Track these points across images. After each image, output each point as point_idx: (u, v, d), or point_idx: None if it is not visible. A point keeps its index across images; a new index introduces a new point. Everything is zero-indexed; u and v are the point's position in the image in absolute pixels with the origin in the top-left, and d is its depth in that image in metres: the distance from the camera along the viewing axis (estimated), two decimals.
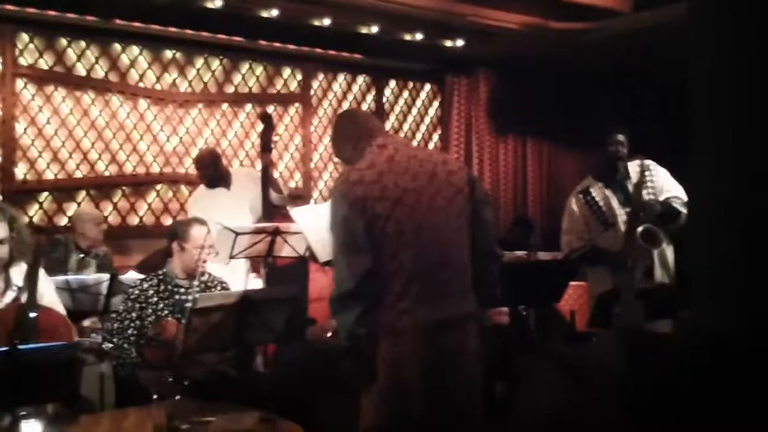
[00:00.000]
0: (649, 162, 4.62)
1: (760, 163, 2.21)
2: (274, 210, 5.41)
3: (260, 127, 6.60)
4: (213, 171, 5.68)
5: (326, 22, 6.16)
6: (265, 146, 5.60)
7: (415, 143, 7.41)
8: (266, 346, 4.37)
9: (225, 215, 5.22)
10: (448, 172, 2.81)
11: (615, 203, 4.62)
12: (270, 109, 6.72)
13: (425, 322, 2.65)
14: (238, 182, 5.65)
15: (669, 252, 4.60)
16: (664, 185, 4.60)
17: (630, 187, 4.60)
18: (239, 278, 5.06)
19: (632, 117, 7.31)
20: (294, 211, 4.75)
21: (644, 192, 4.53)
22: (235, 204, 5.48)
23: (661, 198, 4.56)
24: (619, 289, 4.31)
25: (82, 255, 5.40)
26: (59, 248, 5.32)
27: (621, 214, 4.58)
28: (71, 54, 6.00)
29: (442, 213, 2.74)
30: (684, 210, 4.42)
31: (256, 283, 5.05)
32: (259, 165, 6.28)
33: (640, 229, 4.40)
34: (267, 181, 5.46)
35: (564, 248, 4.78)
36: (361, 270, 2.65)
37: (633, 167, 4.64)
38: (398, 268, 2.66)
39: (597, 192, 4.66)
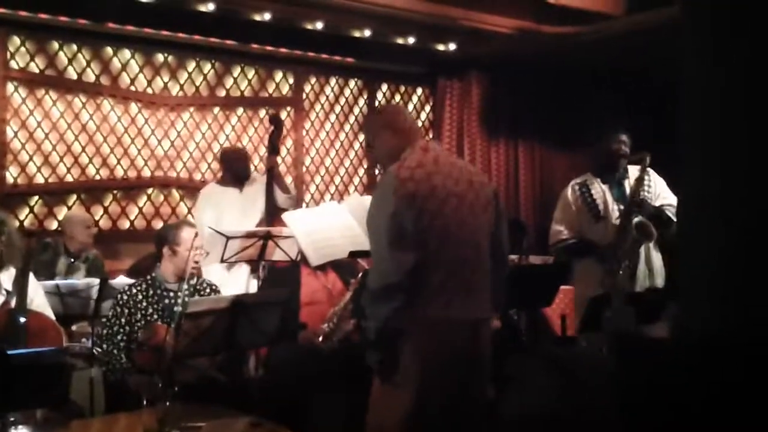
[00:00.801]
0: (648, 168, 4.66)
1: (753, 160, 2.21)
2: (279, 211, 5.40)
3: (251, 131, 6.68)
4: (245, 168, 5.67)
5: (318, 25, 6.16)
6: (273, 148, 5.64)
7: None
8: (258, 350, 4.36)
9: (235, 216, 5.26)
10: (481, 183, 3.02)
11: (610, 198, 4.66)
12: (262, 113, 6.72)
13: (460, 318, 2.80)
14: (251, 186, 5.64)
15: (656, 257, 4.63)
16: (661, 193, 4.65)
17: (627, 186, 4.65)
18: (241, 280, 5.06)
19: (625, 121, 7.33)
20: (286, 216, 4.75)
21: (641, 190, 4.58)
22: (245, 206, 5.48)
23: (656, 204, 4.60)
24: (609, 293, 4.32)
25: (72, 259, 5.38)
26: (48, 252, 5.29)
27: (614, 209, 4.62)
28: (63, 57, 5.98)
29: (478, 219, 2.92)
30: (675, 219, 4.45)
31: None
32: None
33: (636, 220, 4.44)
34: (272, 182, 5.48)
35: (552, 237, 4.79)
36: (407, 265, 2.77)
37: (633, 168, 4.69)
38: (439, 264, 2.80)
39: (594, 186, 4.72)
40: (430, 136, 7.76)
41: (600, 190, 4.69)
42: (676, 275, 4.44)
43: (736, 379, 2.14)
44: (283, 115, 6.97)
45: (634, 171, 4.68)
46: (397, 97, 7.64)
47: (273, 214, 5.36)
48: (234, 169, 5.64)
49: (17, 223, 5.58)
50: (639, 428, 2.39)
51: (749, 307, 2.20)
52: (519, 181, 8.01)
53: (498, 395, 3.83)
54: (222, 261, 4.67)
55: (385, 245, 2.79)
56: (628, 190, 4.63)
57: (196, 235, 4.04)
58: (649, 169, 4.68)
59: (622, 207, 4.59)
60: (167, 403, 2.85)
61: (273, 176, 5.51)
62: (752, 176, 2.21)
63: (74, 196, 6.02)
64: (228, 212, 5.32)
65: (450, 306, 2.79)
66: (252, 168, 5.98)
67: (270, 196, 5.43)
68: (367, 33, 6.39)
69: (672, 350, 2.40)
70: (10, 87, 5.78)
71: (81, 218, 5.57)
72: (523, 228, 7.29)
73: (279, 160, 6.89)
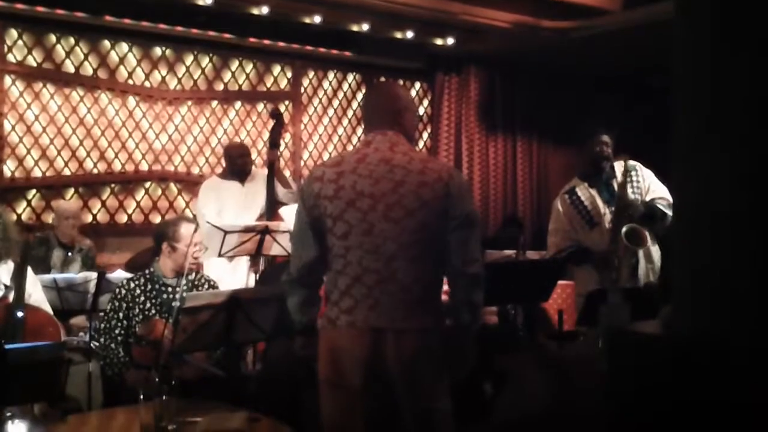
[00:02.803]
0: (634, 163, 4.65)
1: (748, 164, 2.22)
2: (279, 206, 5.41)
3: (249, 125, 6.69)
4: (246, 164, 5.66)
5: (317, 19, 6.16)
6: (274, 143, 5.66)
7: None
8: (255, 345, 4.37)
9: (236, 209, 5.27)
10: (419, 183, 2.66)
11: (600, 202, 4.65)
12: (260, 106, 6.72)
13: (364, 325, 2.66)
14: (253, 180, 5.64)
15: (654, 251, 4.63)
16: (650, 186, 4.63)
17: (615, 185, 4.63)
18: (240, 276, 5.07)
19: (623, 115, 7.35)
20: (283, 210, 4.76)
21: (629, 191, 4.55)
22: (246, 200, 5.49)
23: (647, 198, 4.59)
24: (606, 289, 4.32)
25: (67, 252, 5.38)
26: (42, 246, 5.29)
27: (606, 213, 4.61)
28: (60, 50, 5.98)
29: (396, 224, 2.65)
30: (669, 212, 4.44)
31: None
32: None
33: (624, 229, 4.42)
34: (273, 177, 5.49)
35: (550, 248, 4.80)
36: (302, 262, 2.77)
37: (618, 167, 4.67)
38: (344, 269, 2.68)
39: (582, 191, 4.69)
40: (428, 130, 7.77)
41: (589, 194, 4.67)
42: (669, 270, 4.46)
43: (721, 377, 2.15)
44: (281, 108, 6.97)
45: (620, 168, 4.66)
46: None
47: (273, 208, 5.37)
48: (236, 164, 5.64)
49: (15, 217, 5.58)
50: (625, 424, 2.40)
51: (739, 306, 2.21)
52: (516, 177, 8.02)
53: (494, 392, 3.84)
54: (220, 255, 4.68)
55: (292, 239, 2.86)
56: (617, 189, 4.61)
57: (196, 230, 4.03)
58: (635, 164, 4.66)
59: (613, 209, 4.57)
60: (164, 398, 2.86)
61: (274, 170, 5.52)
62: (743, 176, 2.21)
63: (72, 190, 6.02)
64: (229, 205, 5.35)
65: (353, 311, 2.66)
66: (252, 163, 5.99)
67: (271, 190, 5.44)
68: (366, 27, 6.39)
69: (660, 347, 2.40)
70: (7, 80, 5.77)
71: (63, 210, 5.52)
72: (521, 223, 7.34)
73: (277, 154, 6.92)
